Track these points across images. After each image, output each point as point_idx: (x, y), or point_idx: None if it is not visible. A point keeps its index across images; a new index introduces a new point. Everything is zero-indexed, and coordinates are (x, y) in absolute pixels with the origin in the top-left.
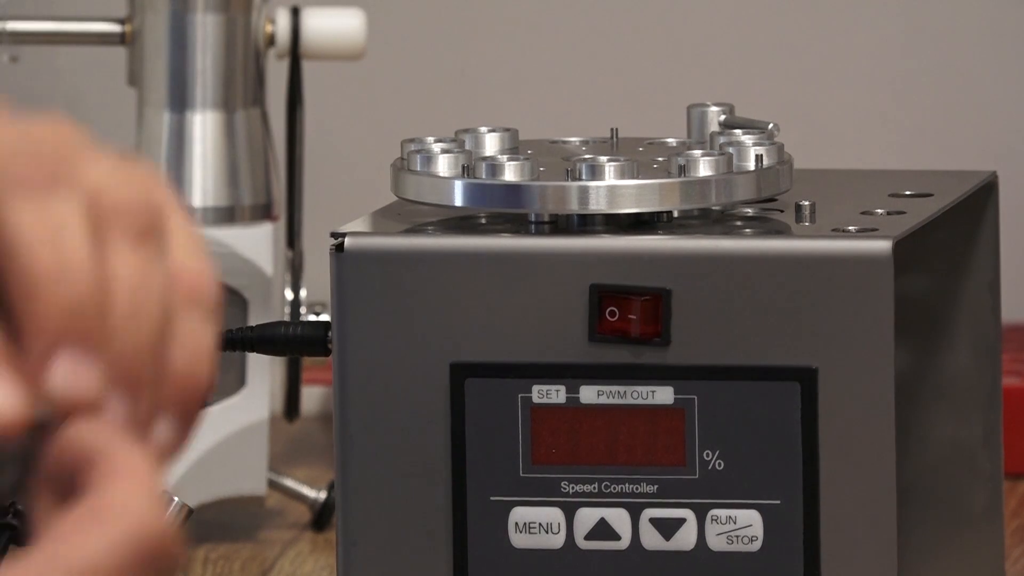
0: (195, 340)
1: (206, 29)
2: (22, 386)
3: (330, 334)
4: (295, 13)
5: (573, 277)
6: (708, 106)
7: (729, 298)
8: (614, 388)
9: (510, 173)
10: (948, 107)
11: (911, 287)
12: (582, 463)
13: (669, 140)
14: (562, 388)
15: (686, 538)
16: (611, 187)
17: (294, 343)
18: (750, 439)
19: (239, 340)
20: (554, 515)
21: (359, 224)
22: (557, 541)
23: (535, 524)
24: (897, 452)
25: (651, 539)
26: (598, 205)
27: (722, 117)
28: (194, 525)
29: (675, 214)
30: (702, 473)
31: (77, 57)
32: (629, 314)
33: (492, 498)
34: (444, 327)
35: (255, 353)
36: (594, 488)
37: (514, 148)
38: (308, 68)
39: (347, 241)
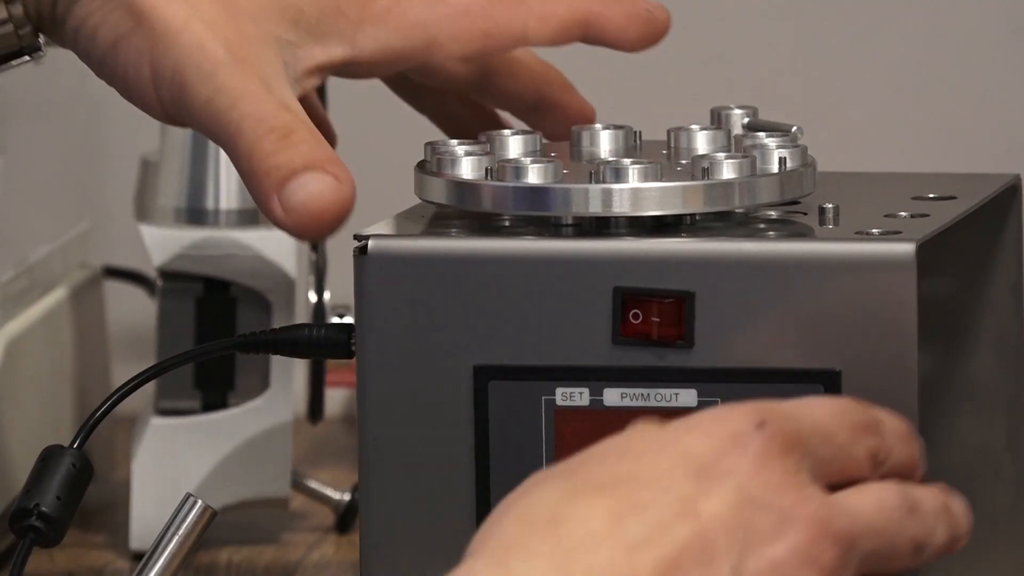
0: None
1: None
2: None
3: (353, 336)
4: None
5: (596, 280)
6: (731, 109)
7: (752, 301)
8: (637, 391)
9: (534, 175)
10: (971, 110)
11: (934, 290)
12: None
13: (692, 126)
14: (585, 390)
15: None
16: (634, 189)
17: (317, 345)
18: None
19: (262, 342)
20: None
21: (382, 226)
22: None
23: None
24: None
25: None
26: (621, 208)
27: (745, 120)
28: (217, 527)
29: (698, 217)
30: None
31: None
32: (652, 316)
33: None
34: (467, 329)
35: (278, 355)
36: None
37: (537, 151)
38: None
39: (371, 243)
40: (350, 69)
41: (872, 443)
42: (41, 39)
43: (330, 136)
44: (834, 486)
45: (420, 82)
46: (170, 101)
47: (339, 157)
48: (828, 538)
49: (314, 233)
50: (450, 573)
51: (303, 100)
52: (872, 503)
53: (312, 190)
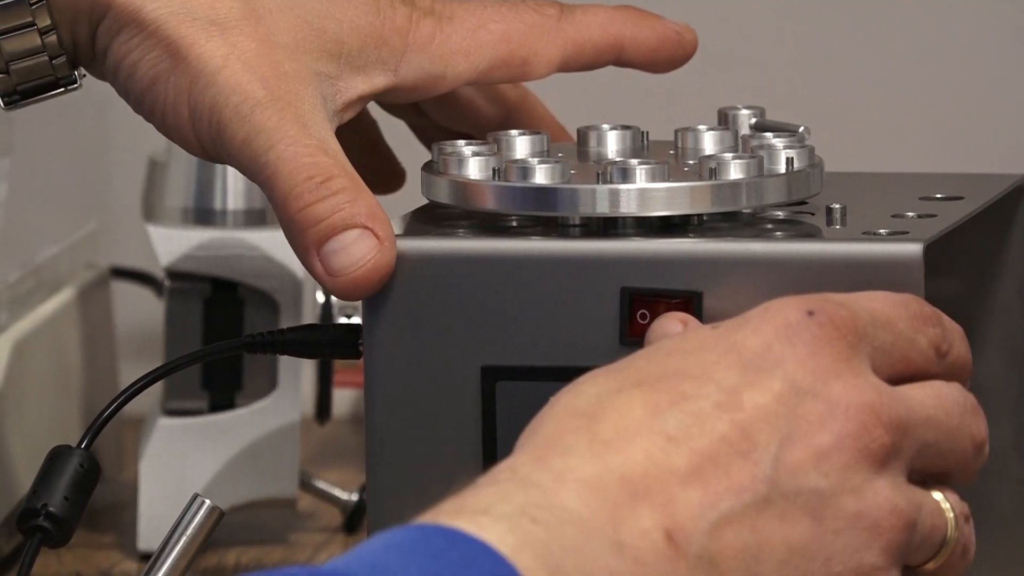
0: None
1: None
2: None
3: (361, 337)
4: None
5: (604, 280)
6: (738, 109)
7: (760, 301)
8: None
9: (541, 176)
10: (978, 110)
11: (941, 290)
12: None
13: (699, 126)
14: None
15: None
16: (642, 190)
17: (325, 346)
18: None
19: (270, 343)
20: None
21: None
22: None
23: None
24: None
25: None
26: (629, 208)
27: (752, 120)
28: (225, 528)
29: (705, 217)
30: None
31: None
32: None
33: None
34: (475, 330)
35: (286, 356)
36: None
37: (544, 151)
38: None
39: None
40: (391, 96)
41: (935, 333)
42: (78, 73)
43: (395, 170)
44: (900, 379)
45: (445, 125)
46: (208, 140)
47: (379, 204)
48: (879, 426)
49: (357, 296)
50: (494, 469)
51: (362, 125)
52: (932, 396)
53: (355, 255)
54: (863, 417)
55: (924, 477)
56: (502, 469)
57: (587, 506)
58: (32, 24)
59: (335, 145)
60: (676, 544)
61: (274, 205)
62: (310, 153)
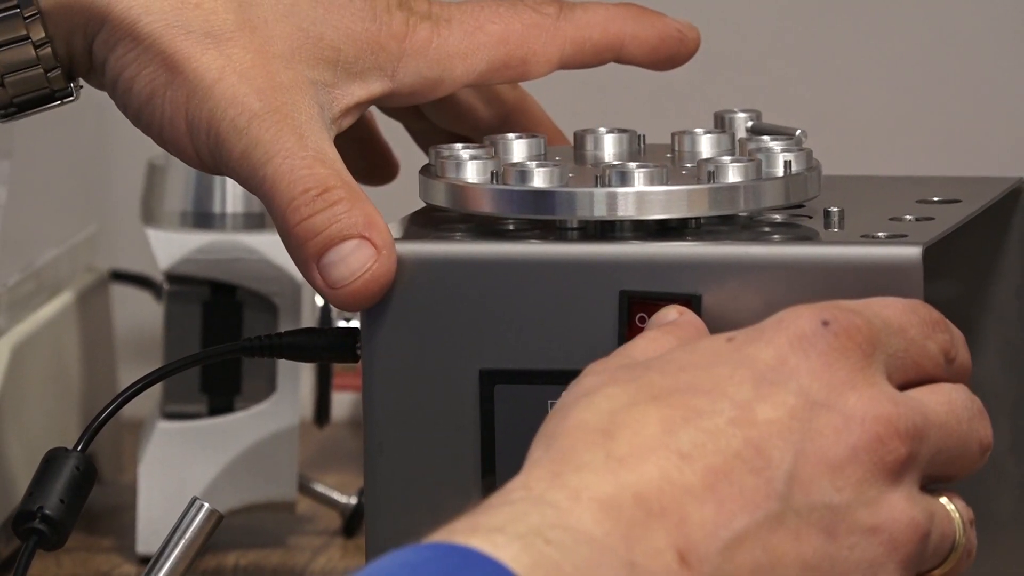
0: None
1: None
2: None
3: (359, 340)
4: None
5: (603, 283)
6: (735, 112)
7: (758, 304)
8: None
9: (539, 179)
10: (976, 113)
11: (939, 293)
12: None
13: (696, 129)
14: None
15: None
16: (640, 193)
17: (323, 350)
18: None
19: (268, 346)
20: None
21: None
22: None
23: None
24: None
25: None
26: (626, 211)
27: (749, 123)
28: (224, 531)
29: (703, 220)
30: None
31: None
32: None
33: None
34: (473, 333)
35: (285, 359)
36: None
37: (542, 154)
38: None
39: None
40: (388, 101)
41: (944, 339)
42: (74, 85)
43: (389, 161)
44: (911, 386)
45: (442, 127)
46: (207, 153)
47: (378, 212)
48: (895, 437)
49: (358, 307)
50: (507, 486)
51: (359, 120)
52: (944, 401)
53: (353, 265)
54: (879, 429)
55: (929, 481)
56: (516, 487)
57: (601, 526)
58: (26, 37)
59: (333, 154)
60: (689, 565)
61: (273, 218)
62: (307, 165)
